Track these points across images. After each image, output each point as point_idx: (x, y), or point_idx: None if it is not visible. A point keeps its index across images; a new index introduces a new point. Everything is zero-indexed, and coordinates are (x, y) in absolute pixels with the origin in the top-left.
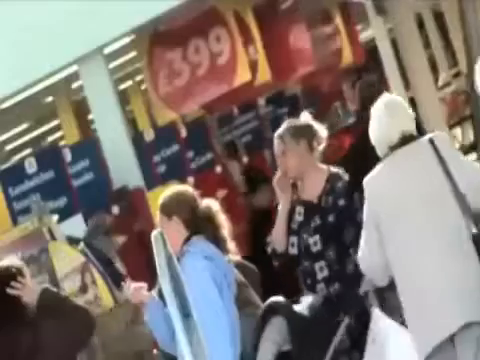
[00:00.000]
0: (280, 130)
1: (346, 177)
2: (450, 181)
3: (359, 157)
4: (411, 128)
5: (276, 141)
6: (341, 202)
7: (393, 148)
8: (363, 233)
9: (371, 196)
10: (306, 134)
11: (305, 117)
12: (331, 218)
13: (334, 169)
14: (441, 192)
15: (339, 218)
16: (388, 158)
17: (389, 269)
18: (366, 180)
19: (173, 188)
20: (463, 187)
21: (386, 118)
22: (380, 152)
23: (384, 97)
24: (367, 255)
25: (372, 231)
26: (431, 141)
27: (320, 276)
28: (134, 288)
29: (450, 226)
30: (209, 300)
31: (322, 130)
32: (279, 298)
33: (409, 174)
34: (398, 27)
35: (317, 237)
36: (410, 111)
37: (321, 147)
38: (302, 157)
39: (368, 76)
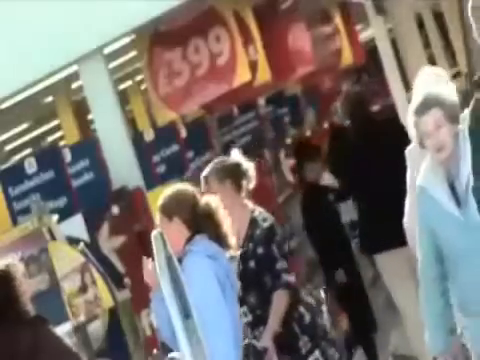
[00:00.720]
0: (205, 170)
1: (266, 223)
2: None
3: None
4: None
5: (202, 182)
6: (260, 250)
7: None
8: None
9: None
10: (232, 174)
11: (235, 155)
12: (252, 264)
13: (257, 211)
14: None
15: (258, 265)
16: None
17: None
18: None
19: (172, 188)
20: None
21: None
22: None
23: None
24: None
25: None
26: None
27: (244, 320)
28: (152, 270)
29: None
30: (212, 300)
31: (251, 168)
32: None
33: None
34: (398, 27)
35: (239, 283)
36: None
37: (251, 186)
38: (227, 197)
39: (355, 88)
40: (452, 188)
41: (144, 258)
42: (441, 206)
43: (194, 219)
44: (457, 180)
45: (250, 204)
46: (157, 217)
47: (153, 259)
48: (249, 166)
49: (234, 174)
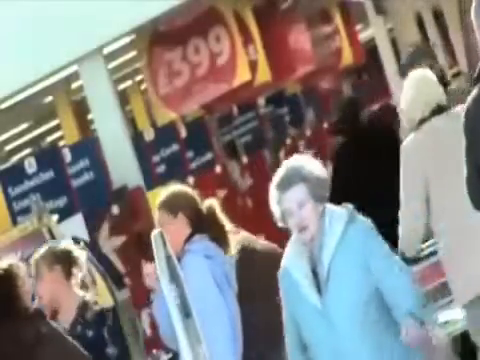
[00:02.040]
0: (35, 255)
1: (97, 307)
2: None
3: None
4: (443, 100)
5: (32, 266)
6: (90, 333)
7: (431, 115)
8: (404, 195)
9: (415, 159)
10: (62, 260)
11: (66, 243)
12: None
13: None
14: None
15: (88, 349)
16: (426, 125)
17: (429, 231)
18: (404, 145)
19: (174, 187)
20: None
21: (422, 89)
22: (417, 117)
23: (416, 72)
24: (411, 214)
25: (420, 191)
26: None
27: None
28: (150, 272)
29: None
30: (209, 299)
31: (82, 256)
32: None
33: (451, 138)
34: (398, 27)
35: None
36: (440, 86)
37: (81, 274)
38: (55, 283)
39: (350, 96)
40: (315, 272)
41: (143, 262)
42: (301, 291)
43: (197, 218)
44: (320, 264)
45: (79, 291)
46: (158, 214)
47: (152, 260)
48: (80, 254)
49: (64, 260)
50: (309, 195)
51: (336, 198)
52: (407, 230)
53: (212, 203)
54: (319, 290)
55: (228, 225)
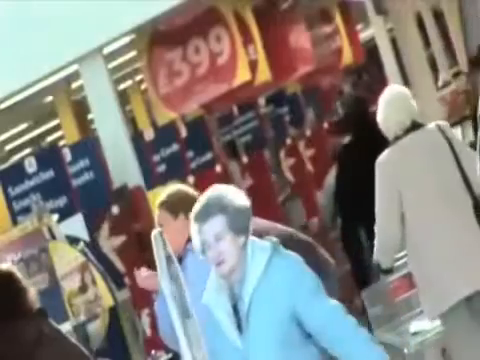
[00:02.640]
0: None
1: None
2: (457, 162)
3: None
4: (417, 116)
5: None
6: None
7: (405, 132)
8: (380, 209)
9: (389, 174)
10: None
11: None
12: None
13: None
14: (452, 170)
15: None
16: (401, 141)
17: (403, 244)
18: (379, 161)
19: (174, 186)
20: (466, 167)
21: (397, 107)
22: (391, 136)
23: (391, 88)
24: (386, 228)
25: (394, 205)
26: (438, 127)
27: None
28: (146, 276)
29: (460, 200)
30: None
31: None
32: None
33: (424, 154)
34: (398, 27)
35: None
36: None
37: None
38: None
39: (355, 92)
40: (236, 308)
41: (135, 269)
42: (220, 328)
43: None
44: (240, 299)
45: None
46: (158, 214)
47: (151, 263)
48: None
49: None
50: (228, 227)
51: (343, 198)
52: (383, 242)
53: None
54: (240, 327)
55: None
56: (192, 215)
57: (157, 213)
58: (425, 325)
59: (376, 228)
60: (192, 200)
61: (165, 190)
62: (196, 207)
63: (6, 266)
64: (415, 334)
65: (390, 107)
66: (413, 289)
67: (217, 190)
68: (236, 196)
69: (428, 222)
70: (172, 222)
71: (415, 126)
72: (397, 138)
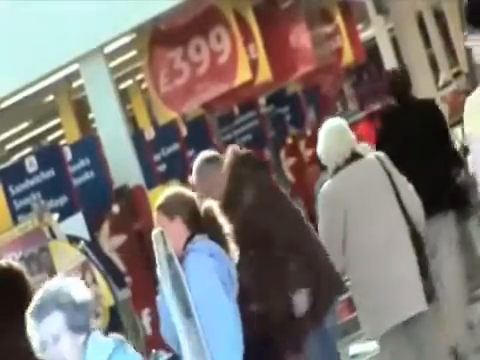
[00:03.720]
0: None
1: None
2: (395, 190)
3: (386, 141)
4: (356, 147)
5: None
6: None
7: (346, 163)
8: (324, 236)
9: (333, 203)
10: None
11: None
12: None
13: None
14: (391, 200)
15: None
16: (342, 171)
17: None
18: (322, 191)
19: (172, 189)
20: (404, 197)
21: (337, 138)
22: (331, 167)
23: (330, 120)
24: (330, 253)
25: (337, 233)
26: (377, 157)
27: None
28: None
29: (399, 229)
30: (215, 298)
31: None
32: None
33: (365, 184)
34: (399, 26)
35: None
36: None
37: None
38: None
39: (399, 66)
40: None
41: None
42: None
43: (195, 220)
44: None
45: None
46: (156, 217)
47: (153, 258)
48: None
49: None
50: (66, 325)
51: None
52: None
53: (211, 204)
54: None
55: (227, 226)
56: (28, 312)
57: (155, 216)
58: (364, 348)
59: None
60: (189, 202)
61: (163, 193)
62: (33, 302)
63: (17, 264)
64: (354, 357)
65: (331, 138)
66: (353, 312)
67: (54, 284)
68: (75, 290)
69: (369, 249)
70: (169, 224)
71: (355, 156)
72: (338, 168)
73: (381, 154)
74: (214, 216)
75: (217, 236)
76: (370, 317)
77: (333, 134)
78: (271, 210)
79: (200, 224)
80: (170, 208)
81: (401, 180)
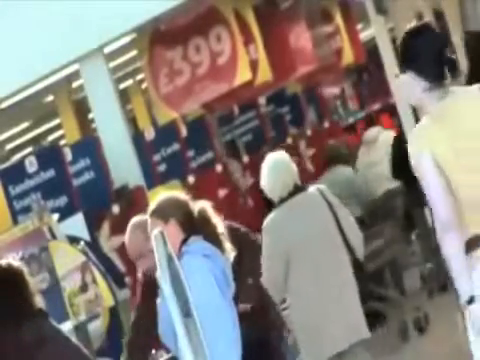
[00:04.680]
0: None
1: None
2: (337, 223)
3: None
4: (298, 180)
5: None
6: None
7: (289, 195)
8: (265, 264)
9: (277, 234)
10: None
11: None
12: None
13: None
14: (333, 231)
15: None
16: (285, 204)
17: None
18: (266, 223)
19: (163, 194)
20: (346, 228)
21: (281, 171)
22: (276, 198)
23: (273, 154)
24: (272, 282)
25: (280, 264)
26: (319, 190)
27: None
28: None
29: (340, 259)
30: (211, 298)
31: None
32: None
33: (307, 216)
34: (399, 26)
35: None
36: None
37: None
38: None
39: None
40: None
41: None
42: None
43: (189, 222)
44: None
45: None
46: (149, 222)
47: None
48: None
49: None
50: None
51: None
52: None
53: (204, 205)
54: None
55: (221, 226)
56: None
57: (149, 222)
58: None
59: (262, 281)
60: (181, 205)
61: (154, 200)
62: None
63: (17, 264)
64: None
65: (275, 171)
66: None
67: None
68: None
69: (311, 278)
70: (164, 228)
71: (298, 189)
72: (282, 200)
73: (323, 186)
74: (208, 217)
75: (211, 236)
76: (309, 346)
77: (278, 167)
78: None
79: (194, 226)
80: (164, 212)
81: (342, 212)
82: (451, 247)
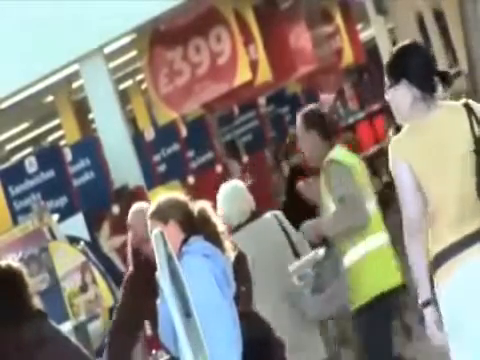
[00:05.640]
0: None
1: None
2: (293, 248)
3: None
4: (254, 207)
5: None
6: None
7: (247, 221)
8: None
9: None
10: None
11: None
12: None
13: None
14: (289, 256)
15: None
16: (242, 230)
17: None
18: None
19: (162, 196)
20: (300, 250)
21: (239, 198)
22: (234, 224)
23: (228, 183)
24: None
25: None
26: (275, 216)
27: None
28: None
29: (291, 283)
30: (211, 298)
31: None
32: None
33: (264, 241)
34: (398, 26)
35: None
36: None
37: None
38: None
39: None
40: None
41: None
42: None
43: (189, 222)
44: None
45: None
46: (149, 224)
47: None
48: None
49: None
50: None
51: None
52: None
53: (203, 205)
54: None
55: (221, 226)
56: None
57: (149, 224)
58: None
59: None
60: (181, 206)
61: (153, 202)
62: None
63: (16, 265)
64: None
65: (233, 198)
66: None
67: None
68: None
69: (268, 307)
70: (164, 229)
71: (254, 215)
72: (239, 226)
73: (278, 212)
74: (207, 216)
75: (212, 236)
76: None
77: (234, 195)
78: None
79: (194, 226)
80: (163, 213)
81: (297, 237)
82: (416, 253)
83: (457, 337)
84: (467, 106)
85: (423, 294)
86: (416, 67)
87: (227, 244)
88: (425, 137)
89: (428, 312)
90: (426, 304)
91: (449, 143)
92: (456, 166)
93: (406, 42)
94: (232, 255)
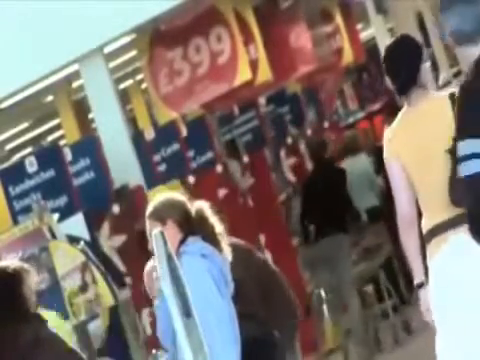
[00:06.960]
0: None
1: None
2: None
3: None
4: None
5: None
6: None
7: None
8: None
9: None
10: None
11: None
12: None
13: None
14: None
15: None
16: None
17: None
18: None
19: (160, 196)
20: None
21: None
22: None
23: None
24: None
25: None
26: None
27: None
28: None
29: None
30: (209, 298)
31: None
32: None
33: None
34: (398, 26)
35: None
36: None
37: None
38: None
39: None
40: None
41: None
42: None
43: (187, 222)
44: None
45: None
46: (148, 224)
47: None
48: None
49: None
50: None
51: None
52: None
53: (201, 206)
54: None
55: (218, 226)
56: None
57: (147, 225)
58: None
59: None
60: (179, 206)
61: (152, 202)
62: None
63: (16, 265)
64: None
65: None
66: None
67: None
68: None
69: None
70: (162, 228)
71: None
72: None
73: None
74: (205, 217)
75: (209, 236)
76: None
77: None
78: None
79: (192, 226)
80: (161, 213)
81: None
82: (408, 243)
83: (441, 307)
84: (452, 97)
85: (417, 277)
86: (397, 62)
87: (225, 244)
88: (413, 131)
89: (422, 292)
90: (420, 286)
91: (434, 136)
92: (439, 158)
93: (396, 38)
94: (229, 255)
